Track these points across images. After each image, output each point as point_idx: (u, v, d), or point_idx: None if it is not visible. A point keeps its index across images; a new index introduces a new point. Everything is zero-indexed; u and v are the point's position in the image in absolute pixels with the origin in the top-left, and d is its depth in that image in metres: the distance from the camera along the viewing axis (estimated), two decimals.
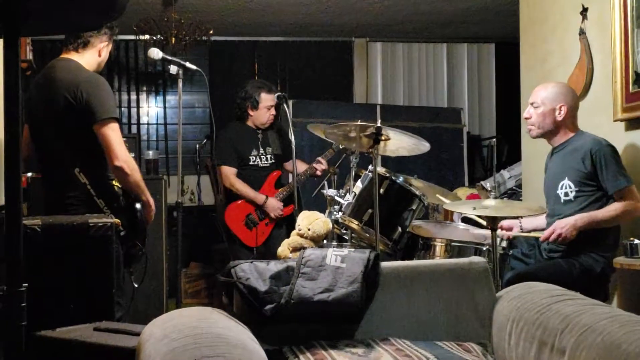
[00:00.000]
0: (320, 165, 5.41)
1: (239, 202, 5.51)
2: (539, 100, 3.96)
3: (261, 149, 5.56)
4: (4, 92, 1.72)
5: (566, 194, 3.87)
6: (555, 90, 3.99)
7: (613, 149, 3.80)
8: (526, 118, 4.03)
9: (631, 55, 4.05)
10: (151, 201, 3.75)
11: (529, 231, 4.20)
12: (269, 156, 5.58)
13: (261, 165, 5.56)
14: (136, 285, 3.65)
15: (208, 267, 6.93)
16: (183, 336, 1.96)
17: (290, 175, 5.55)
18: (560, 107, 3.91)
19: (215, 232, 6.94)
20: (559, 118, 3.92)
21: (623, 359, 1.91)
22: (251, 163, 5.54)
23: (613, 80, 4.18)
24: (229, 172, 5.53)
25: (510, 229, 4.13)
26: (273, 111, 5.54)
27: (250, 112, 5.51)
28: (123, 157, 3.55)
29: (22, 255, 1.72)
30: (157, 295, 5.10)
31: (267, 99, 5.48)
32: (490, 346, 2.52)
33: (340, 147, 4.93)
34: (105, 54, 3.83)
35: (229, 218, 5.52)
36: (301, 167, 5.49)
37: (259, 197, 5.46)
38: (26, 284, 1.73)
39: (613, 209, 3.75)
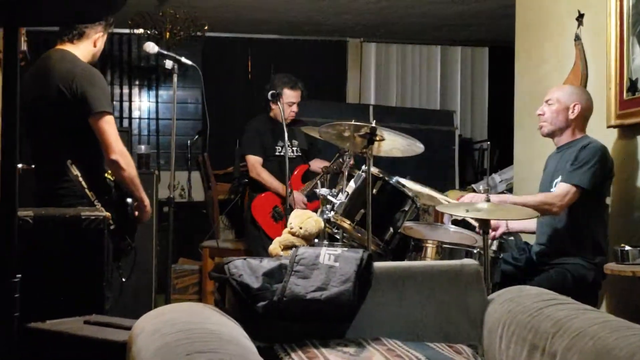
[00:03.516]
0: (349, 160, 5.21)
1: (265, 194, 5.50)
2: (554, 97, 4.01)
3: (287, 142, 5.55)
4: (2, 83, 1.71)
5: None
6: (571, 90, 4.06)
7: (601, 152, 3.82)
8: (539, 114, 4.06)
9: (626, 62, 4.07)
10: (146, 200, 3.73)
11: (516, 232, 4.23)
12: (295, 149, 5.58)
13: (288, 156, 5.55)
14: (123, 280, 3.64)
15: (197, 263, 6.91)
16: (175, 331, 1.95)
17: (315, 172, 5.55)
18: (574, 106, 3.95)
19: (205, 228, 6.93)
20: (572, 116, 3.95)
21: None
22: (277, 154, 5.56)
23: (607, 87, 4.20)
24: (254, 161, 5.55)
25: (496, 229, 4.16)
26: (295, 108, 5.55)
27: (272, 106, 5.53)
28: (120, 150, 3.54)
29: (16, 246, 1.71)
30: (146, 290, 5.08)
31: (289, 95, 5.50)
32: (481, 348, 2.53)
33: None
34: (100, 45, 3.81)
35: (255, 209, 5.52)
36: (321, 165, 5.48)
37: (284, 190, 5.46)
38: (19, 275, 1.72)
39: (538, 197, 3.86)
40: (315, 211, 5.20)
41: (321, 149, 5.85)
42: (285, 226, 4.97)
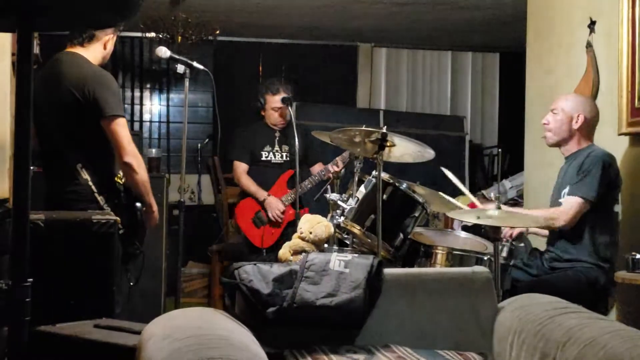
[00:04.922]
0: (334, 167, 5.17)
1: (249, 198, 5.49)
2: (559, 107, 4.01)
3: (276, 146, 5.55)
4: (16, 86, 1.72)
5: None
6: (576, 100, 4.05)
7: (603, 161, 3.80)
8: (544, 124, 4.05)
9: (638, 70, 4.05)
10: (154, 206, 3.74)
11: (530, 234, 4.23)
12: (284, 154, 5.55)
13: (274, 161, 5.54)
14: (131, 284, 3.64)
15: (206, 267, 6.92)
16: (186, 336, 1.96)
17: (312, 177, 5.47)
18: (578, 116, 3.94)
19: (214, 231, 6.94)
20: (575, 126, 3.95)
21: None
22: (263, 159, 5.54)
23: (619, 94, 4.18)
24: (236, 167, 5.57)
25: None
26: (282, 112, 5.52)
27: (262, 112, 5.56)
28: (133, 153, 3.56)
29: (28, 250, 1.71)
30: (156, 293, 5.08)
31: (272, 101, 5.50)
32: (491, 356, 2.52)
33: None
34: (110, 47, 3.82)
35: (238, 214, 5.51)
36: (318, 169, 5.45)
37: (260, 194, 5.45)
38: (31, 279, 1.72)
39: (544, 212, 3.87)
40: (294, 222, 5.16)
41: (318, 152, 5.77)
42: (287, 234, 4.98)
